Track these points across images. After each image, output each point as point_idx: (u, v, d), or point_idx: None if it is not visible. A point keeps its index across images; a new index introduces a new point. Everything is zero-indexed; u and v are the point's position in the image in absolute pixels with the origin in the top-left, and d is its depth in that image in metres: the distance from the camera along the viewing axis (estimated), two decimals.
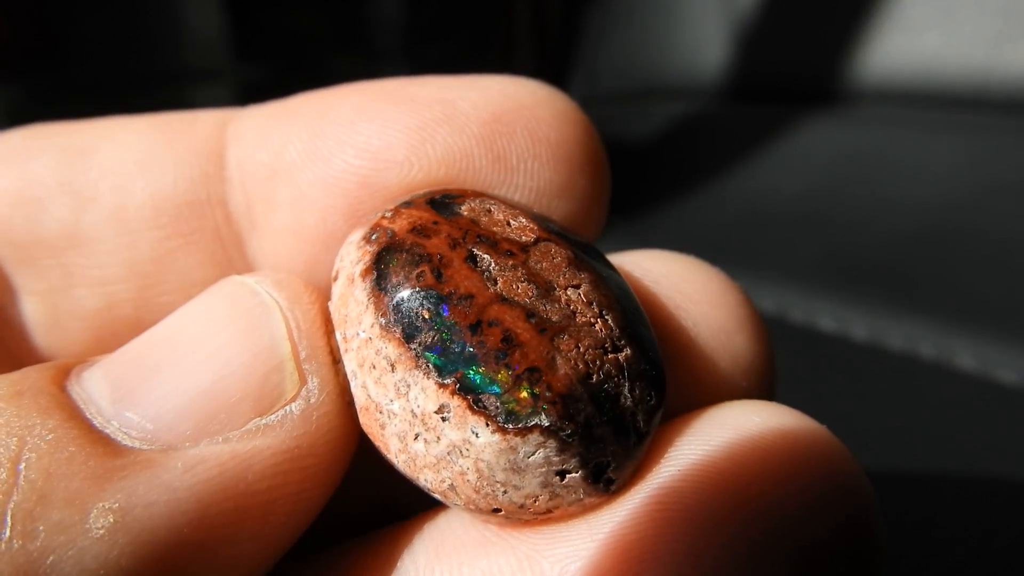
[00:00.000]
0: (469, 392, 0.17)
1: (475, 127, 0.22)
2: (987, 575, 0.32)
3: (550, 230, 0.20)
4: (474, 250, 0.18)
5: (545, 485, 0.17)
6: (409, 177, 0.21)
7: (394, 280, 0.18)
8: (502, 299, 0.18)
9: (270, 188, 0.22)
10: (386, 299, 0.18)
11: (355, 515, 0.22)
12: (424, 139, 0.21)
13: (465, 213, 0.19)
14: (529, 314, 0.18)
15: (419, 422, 0.17)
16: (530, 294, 0.18)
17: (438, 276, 0.18)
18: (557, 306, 0.18)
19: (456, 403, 0.17)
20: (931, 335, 0.46)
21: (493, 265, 0.18)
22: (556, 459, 0.17)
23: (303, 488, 0.18)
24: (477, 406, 0.17)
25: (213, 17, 0.84)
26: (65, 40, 0.76)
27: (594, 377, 0.17)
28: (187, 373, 0.18)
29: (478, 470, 0.17)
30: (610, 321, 0.18)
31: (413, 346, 0.17)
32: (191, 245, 0.23)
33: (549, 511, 0.18)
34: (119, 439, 0.17)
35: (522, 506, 0.18)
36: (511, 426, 0.17)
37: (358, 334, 0.18)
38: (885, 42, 0.72)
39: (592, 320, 0.18)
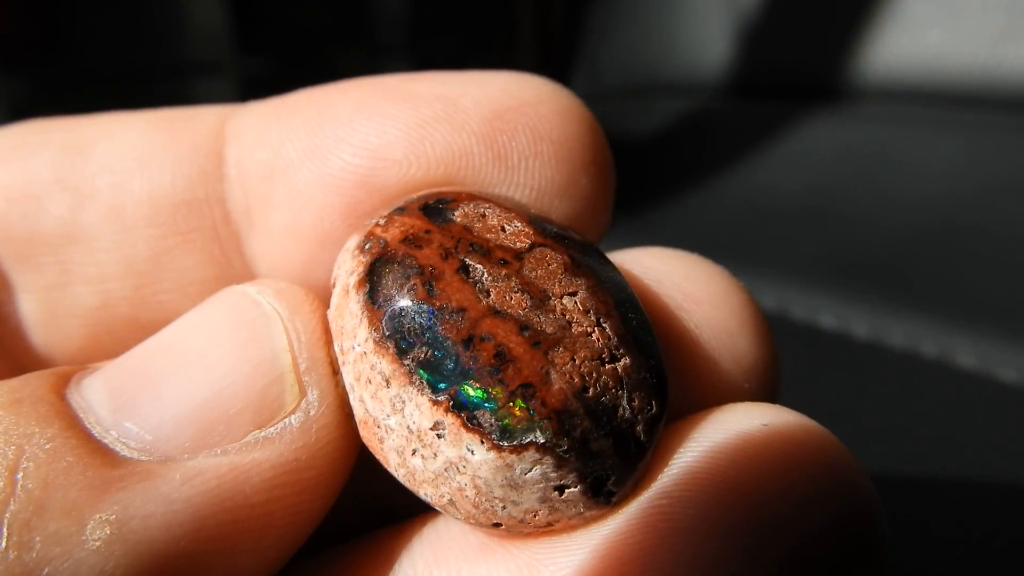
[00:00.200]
0: (463, 409, 0.17)
1: (476, 125, 0.21)
2: (987, 575, 0.32)
3: (546, 233, 0.19)
4: (466, 260, 0.18)
5: (544, 500, 0.17)
6: (408, 176, 0.21)
7: (386, 293, 0.18)
8: (495, 312, 0.17)
9: (268, 187, 0.22)
10: (379, 313, 0.18)
11: (354, 514, 0.22)
12: (423, 137, 0.21)
13: (458, 219, 0.19)
14: (523, 327, 0.17)
15: (416, 438, 0.17)
16: (524, 305, 0.17)
17: (429, 289, 0.17)
18: (552, 316, 0.17)
19: (450, 420, 0.17)
20: (932, 333, 0.46)
21: (486, 276, 0.18)
22: (554, 475, 0.17)
23: (302, 501, 0.18)
24: (471, 423, 0.17)
25: (216, 11, 0.84)
26: (68, 34, 0.76)
27: (590, 390, 0.17)
28: (187, 384, 0.18)
29: (476, 487, 0.17)
30: (608, 329, 0.18)
31: (406, 362, 0.17)
32: (189, 244, 0.22)
33: (550, 524, 0.17)
34: (118, 449, 0.17)
35: (522, 520, 0.17)
36: (506, 443, 0.16)
37: (354, 347, 0.18)
38: (887, 39, 0.72)
39: (589, 329, 0.18)
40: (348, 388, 0.18)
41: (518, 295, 0.18)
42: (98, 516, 0.15)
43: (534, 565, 0.17)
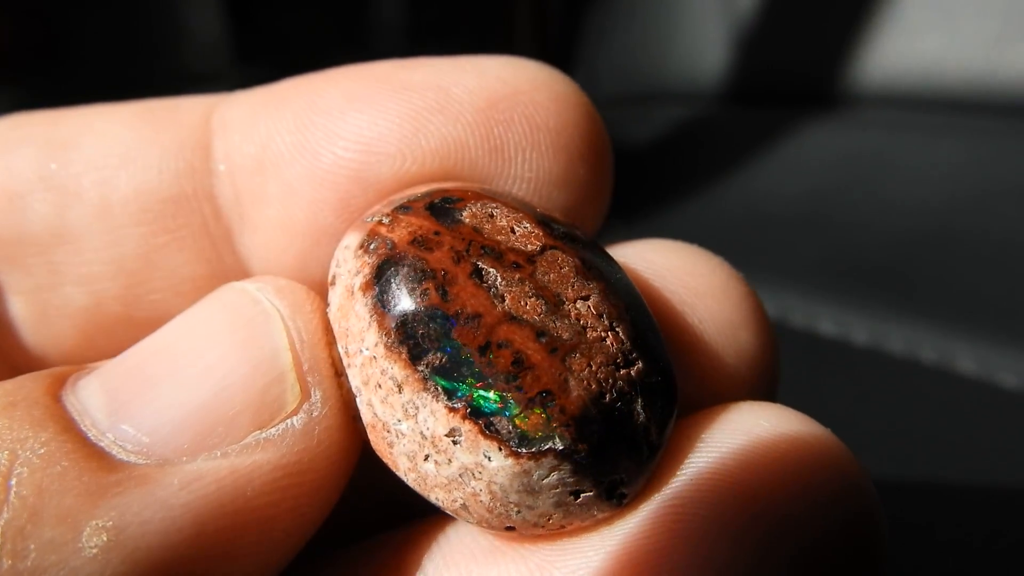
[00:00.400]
0: (480, 416, 0.16)
1: (470, 115, 0.21)
2: None
3: (555, 234, 0.19)
4: (479, 264, 0.18)
5: (559, 505, 0.17)
6: (402, 170, 0.21)
7: (397, 297, 0.17)
8: (511, 318, 0.17)
9: (259, 181, 0.22)
10: (389, 317, 0.17)
11: (362, 515, 0.21)
12: (417, 130, 0.21)
13: (467, 220, 0.19)
14: (539, 333, 0.17)
15: (429, 444, 0.17)
16: (539, 310, 0.17)
17: (443, 294, 0.17)
18: (567, 321, 0.17)
19: (467, 427, 0.16)
20: (932, 339, 0.46)
21: (499, 280, 0.18)
22: (570, 480, 0.17)
23: (303, 503, 0.17)
24: (489, 430, 0.16)
25: (214, 19, 0.84)
26: (67, 43, 0.76)
27: (607, 396, 0.17)
28: (185, 385, 0.17)
29: (491, 492, 0.17)
30: (621, 334, 0.18)
31: (420, 368, 0.17)
32: (179, 241, 0.22)
33: (563, 527, 0.17)
34: (114, 453, 0.16)
35: (536, 524, 0.17)
36: (524, 450, 0.16)
37: (361, 351, 0.18)
38: (885, 45, 0.72)
39: (603, 334, 0.17)
40: (355, 391, 0.18)
41: (533, 300, 0.17)
42: (94, 523, 0.15)
43: (545, 567, 0.17)
